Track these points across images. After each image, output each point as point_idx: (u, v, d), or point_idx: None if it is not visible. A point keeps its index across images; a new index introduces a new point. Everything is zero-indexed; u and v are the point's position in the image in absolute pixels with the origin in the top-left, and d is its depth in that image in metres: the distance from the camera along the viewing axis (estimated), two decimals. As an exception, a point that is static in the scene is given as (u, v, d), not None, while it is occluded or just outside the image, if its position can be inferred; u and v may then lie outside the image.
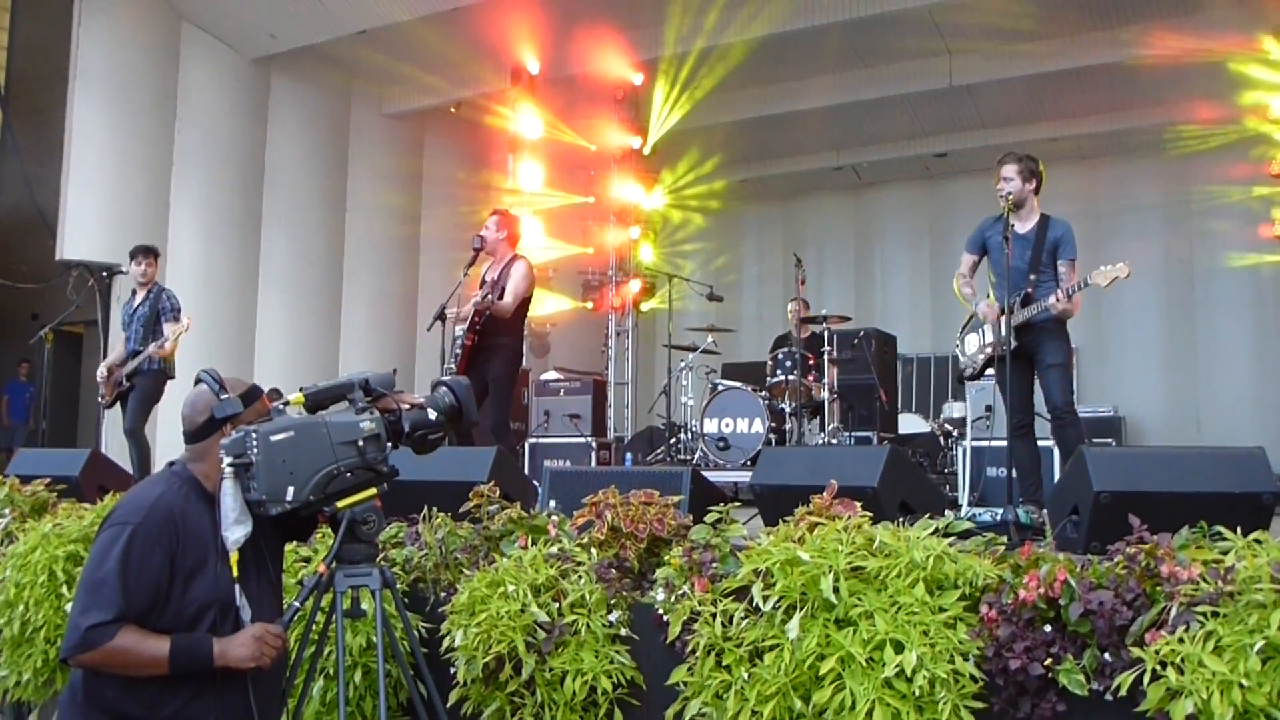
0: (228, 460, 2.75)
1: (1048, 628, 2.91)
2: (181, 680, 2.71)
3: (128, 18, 11.01)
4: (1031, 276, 5.61)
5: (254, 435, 2.77)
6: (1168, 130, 12.57)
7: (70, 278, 10.86)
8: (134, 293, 7.95)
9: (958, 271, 6.06)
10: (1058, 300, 5.45)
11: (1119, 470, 3.90)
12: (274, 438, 2.79)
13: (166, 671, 2.66)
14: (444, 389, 3.16)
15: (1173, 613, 2.74)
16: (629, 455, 10.81)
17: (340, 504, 2.91)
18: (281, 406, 2.92)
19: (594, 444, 9.85)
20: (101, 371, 7.81)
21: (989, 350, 5.83)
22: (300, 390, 2.97)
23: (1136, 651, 2.72)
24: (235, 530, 2.75)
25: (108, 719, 2.73)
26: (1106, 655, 2.83)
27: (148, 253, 7.82)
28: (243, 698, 2.78)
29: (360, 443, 2.91)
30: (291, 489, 2.80)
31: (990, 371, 5.99)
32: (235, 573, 2.79)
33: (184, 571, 2.74)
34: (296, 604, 2.88)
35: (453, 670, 3.74)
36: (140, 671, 2.67)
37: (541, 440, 10.06)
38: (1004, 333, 5.52)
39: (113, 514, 2.79)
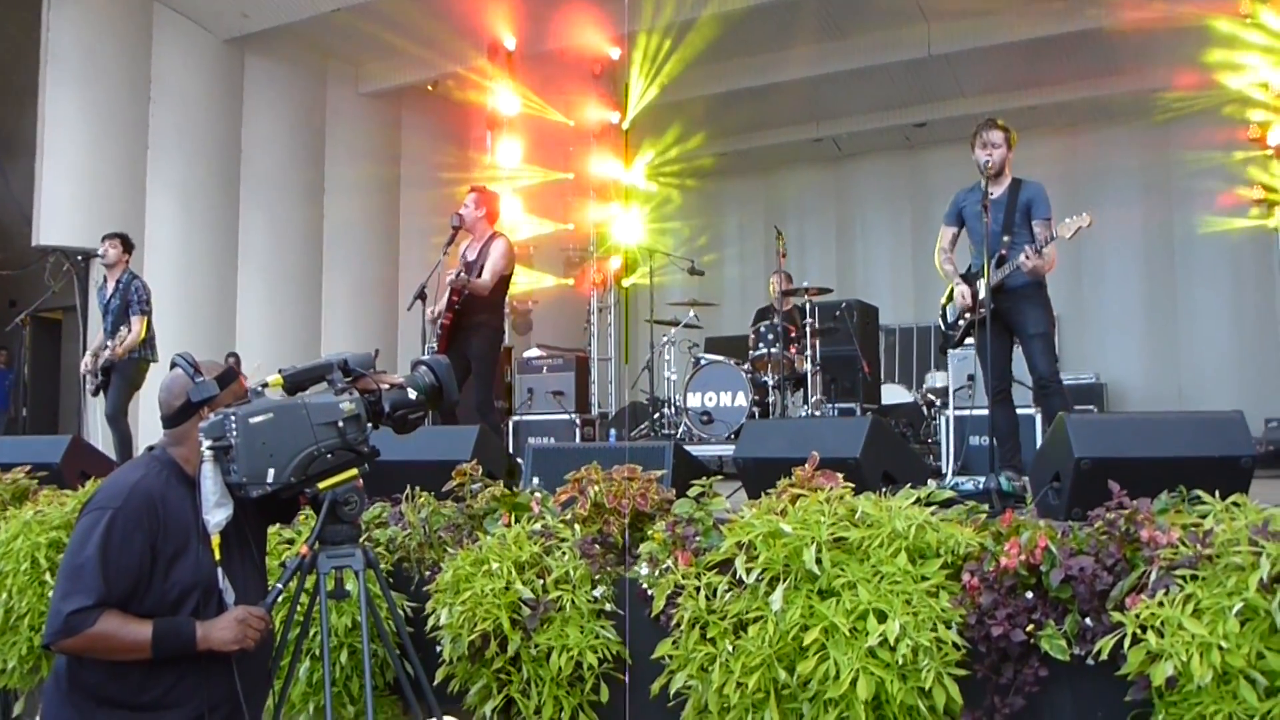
0: (207, 443, 2.73)
1: (1029, 594, 2.94)
2: (166, 664, 2.70)
3: (99, 1, 10.87)
4: (1005, 238, 5.61)
5: (233, 418, 2.75)
6: (1148, 97, 12.56)
7: (47, 263, 10.76)
8: (105, 279, 7.88)
9: (938, 246, 6.08)
10: (1027, 257, 5.46)
11: (1099, 437, 3.91)
12: (253, 420, 2.77)
13: (149, 655, 2.65)
14: (424, 368, 3.15)
15: (1152, 577, 2.77)
16: (613, 431, 10.81)
17: (321, 485, 2.90)
18: (260, 388, 2.90)
19: (578, 420, 9.83)
20: (87, 360, 7.77)
21: (968, 316, 5.85)
22: (279, 372, 2.95)
23: (1117, 616, 2.74)
24: (216, 513, 2.74)
25: (93, 704, 2.72)
26: (1088, 620, 2.86)
27: (111, 236, 7.75)
28: (228, 680, 2.77)
29: (340, 423, 2.90)
30: (272, 471, 2.79)
31: (971, 340, 6.00)
32: (217, 555, 2.78)
33: (165, 555, 2.72)
34: (280, 586, 2.88)
35: (439, 649, 3.75)
36: (123, 656, 2.66)
37: (525, 418, 10.04)
38: (982, 295, 5.52)
39: (92, 499, 2.77)
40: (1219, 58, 10.71)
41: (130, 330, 7.43)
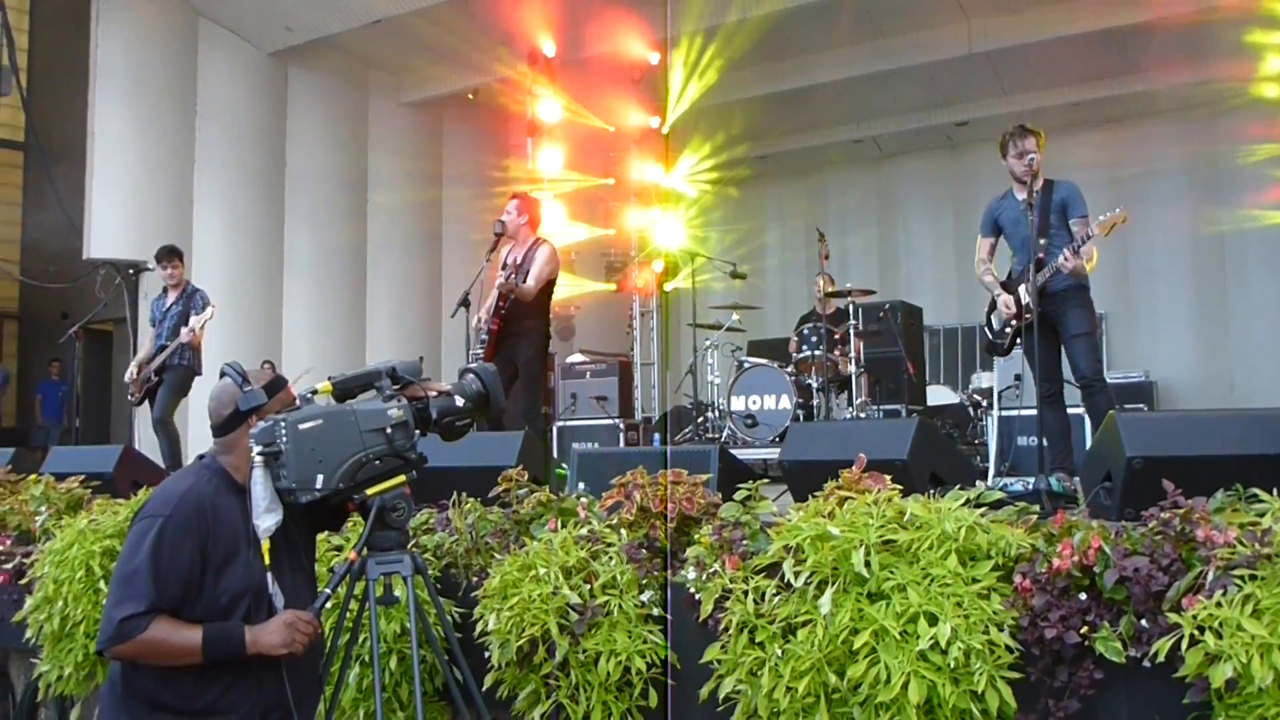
0: (257, 449, 2.76)
1: (1083, 596, 2.90)
2: (218, 670, 2.73)
3: (146, 16, 11.07)
4: (1041, 241, 5.58)
5: (283, 424, 2.78)
6: (1193, 90, 12.37)
7: (98, 276, 10.96)
8: (165, 291, 8.01)
9: (977, 258, 6.08)
10: (1066, 259, 5.41)
11: (1151, 435, 3.85)
12: (302, 426, 2.80)
13: (200, 660, 2.68)
14: (471, 376, 3.16)
15: (1209, 577, 2.72)
16: (657, 435, 10.81)
17: (370, 491, 2.92)
18: (310, 395, 2.93)
19: (621, 425, 9.84)
20: (131, 371, 7.89)
21: (1015, 322, 5.80)
22: (328, 379, 2.98)
23: (1174, 617, 2.70)
24: (266, 519, 2.77)
25: (147, 710, 2.76)
26: (1143, 622, 2.81)
27: (171, 254, 7.88)
28: (279, 686, 2.80)
29: (388, 430, 2.92)
30: (321, 477, 2.82)
31: (1019, 346, 5.96)
32: (267, 561, 2.81)
33: (216, 562, 2.76)
34: (328, 590, 2.90)
35: (487, 654, 3.76)
36: (174, 661, 2.69)
37: (569, 423, 10.07)
38: (1025, 300, 5.54)
39: (144, 508, 2.82)
40: (1266, 47, 10.54)
41: (194, 332, 7.52)
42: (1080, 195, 5.68)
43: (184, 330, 7.54)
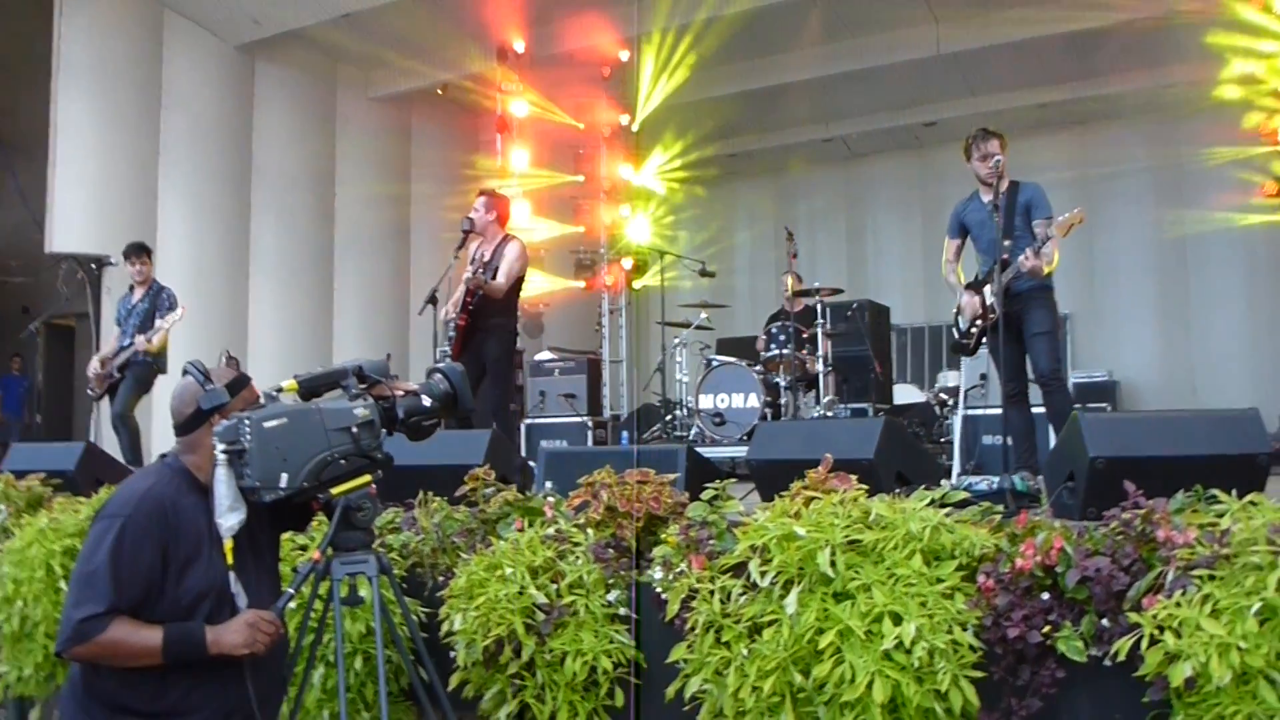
0: (221, 447, 2.74)
1: (1045, 595, 2.92)
2: (180, 671, 2.71)
3: (110, 7, 10.92)
4: (1006, 242, 5.61)
5: (247, 422, 2.76)
6: (1159, 93, 12.52)
7: (60, 271, 10.82)
8: (132, 289, 7.95)
9: (944, 258, 6.14)
10: (1026, 258, 5.46)
11: (1114, 435, 3.89)
12: (267, 424, 2.78)
13: (160, 661, 2.66)
14: (439, 375, 3.15)
15: (1169, 577, 2.75)
16: (625, 433, 10.81)
17: (334, 490, 2.90)
18: (275, 393, 2.91)
19: (590, 423, 9.83)
20: (94, 365, 7.81)
21: (980, 322, 5.86)
22: (294, 377, 2.96)
23: (1134, 617, 2.73)
24: (229, 517, 2.74)
25: (108, 712, 2.73)
26: (1105, 621, 2.84)
27: (140, 250, 7.82)
28: (241, 687, 2.77)
29: (354, 429, 2.90)
30: (285, 475, 2.79)
31: (985, 346, 6.01)
32: (230, 560, 2.78)
33: (178, 562, 2.73)
34: (291, 590, 2.87)
35: (453, 654, 3.75)
36: (135, 662, 2.67)
37: (538, 421, 10.04)
38: (990, 301, 5.62)
39: (104, 507, 2.79)
40: (1229, 52, 10.66)
41: (156, 327, 7.47)
42: (1044, 197, 5.73)
43: (140, 338, 7.48)
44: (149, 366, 7.55)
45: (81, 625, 2.60)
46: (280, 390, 2.91)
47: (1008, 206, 5.69)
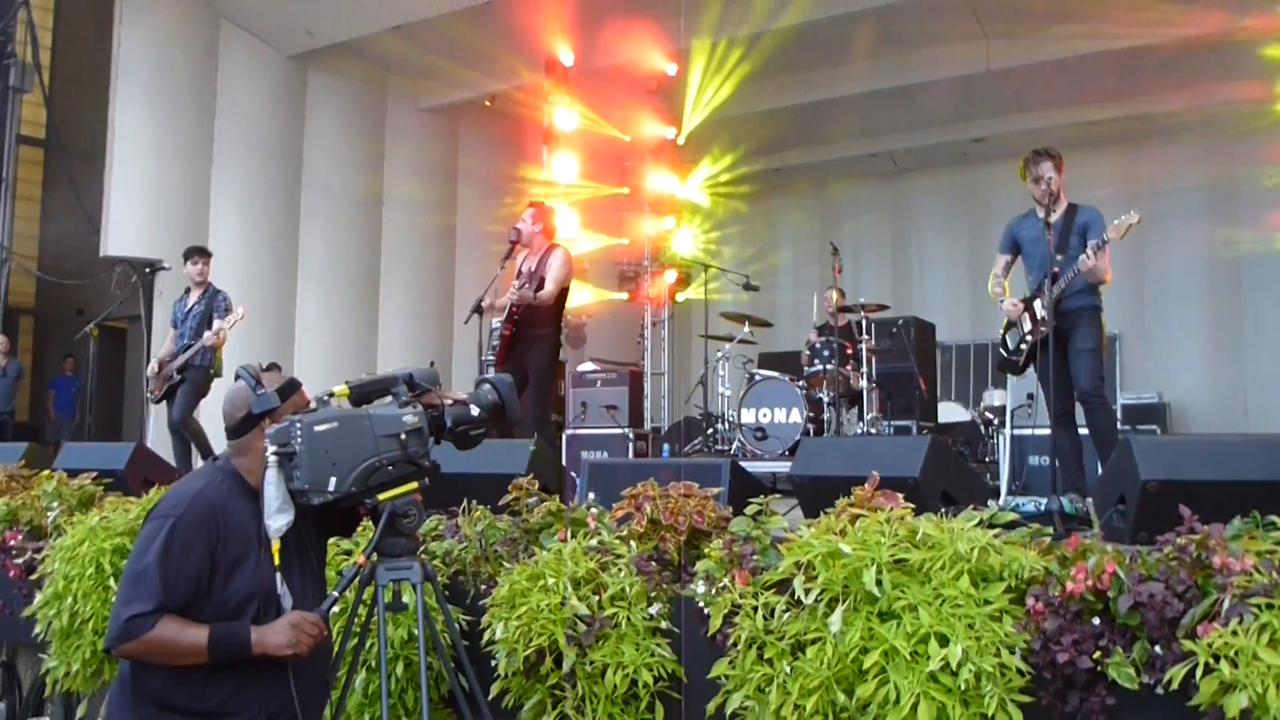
0: (272, 449, 2.77)
1: (1096, 620, 2.87)
2: (226, 672, 2.74)
3: (168, 17, 11.14)
4: (1059, 257, 5.61)
5: (298, 425, 2.79)
6: (1212, 110, 12.33)
7: (114, 274, 11.00)
8: (188, 291, 8.09)
9: (992, 273, 6.14)
10: (1087, 256, 5.43)
11: (1166, 459, 3.83)
12: (318, 428, 2.81)
13: (206, 660, 2.69)
14: (487, 386, 3.17)
15: (1225, 605, 2.69)
16: (666, 446, 10.79)
17: (381, 496, 2.92)
18: (326, 398, 2.94)
19: (631, 435, 9.83)
20: (152, 367, 7.93)
21: (1029, 338, 5.81)
22: (346, 383, 2.98)
23: (1188, 644, 2.67)
24: (278, 519, 2.77)
25: (155, 710, 2.76)
26: (1157, 648, 2.79)
27: (200, 252, 8.01)
28: (286, 689, 2.80)
29: (403, 436, 2.92)
30: (334, 479, 2.82)
31: (1035, 363, 5.97)
32: (277, 561, 2.81)
33: (225, 564, 2.77)
34: (335, 594, 2.90)
35: (494, 663, 3.75)
36: (180, 660, 2.70)
37: (579, 432, 10.05)
38: (1040, 315, 5.62)
39: (156, 508, 2.83)
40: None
41: (218, 336, 7.59)
42: (1103, 221, 5.70)
43: (207, 333, 7.59)
44: (205, 371, 7.67)
45: (129, 623, 2.64)
46: (332, 395, 2.94)
47: (1064, 226, 5.69)
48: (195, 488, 2.84)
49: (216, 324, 7.59)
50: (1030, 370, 6.01)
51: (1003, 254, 6.07)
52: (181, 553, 2.70)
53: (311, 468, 2.79)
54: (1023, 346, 5.88)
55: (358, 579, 2.98)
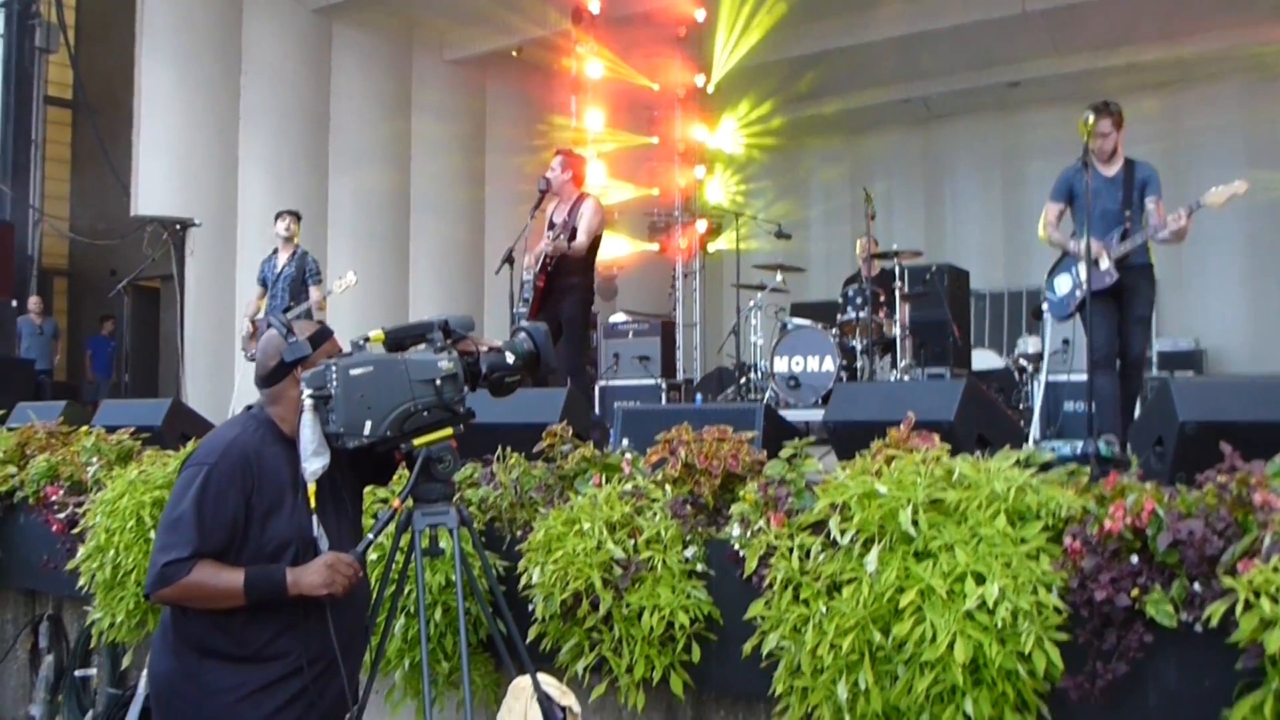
0: (308, 393, 2.79)
1: (1134, 559, 2.85)
2: (267, 616, 2.77)
3: (191, -28, 11.10)
4: (1127, 213, 5.75)
5: (334, 368, 2.81)
6: (1252, 50, 12.05)
7: (145, 233, 11.07)
8: (276, 252, 8.55)
9: (1044, 220, 6.18)
10: (1179, 217, 5.53)
11: (1205, 400, 3.79)
12: (353, 372, 2.82)
13: (243, 602, 2.72)
14: (523, 335, 3.17)
15: (1266, 541, 2.66)
16: (699, 396, 10.80)
17: (416, 442, 2.93)
18: (362, 343, 2.95)
19: (663, 385, 9.83)
20: (245, 326, 8.25)
21: (1081, 290, 5.87)
22: (381, 329, 2.99)
23: (1228, 581, 2.65)
24: (314, 461, 2.80)
25: (197, 655, 2.80)
26: (1196, 586, 2.76)
27: (291, 213, 8.54)
28: (327, 635, 2.82)
29: (438, 382, 2.93)
30: (369, 424, 2.83)
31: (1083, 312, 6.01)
32: (313, 503, 2.83)
33: (261, 510, 2.79)
34: (371, 536, 2.91)
35: (530, 607, 3.79)
36: (218, 604, 2.73)
37: (611, 383, 10.07)
38: (1105, 266, 5.72)
39: (191, 456, 2.86)
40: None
41: (310, 299, 8.16)
42: (1158, 178, 5.85)
43: (314, 293, 8.23)
44: None
45: (165, 569, 2.67)
46: (367, 340, 2.94)
47: (1126, 181, 5.81)
48: (229, 435, 2.87)
49: (313, 293, 8.17)
50: (1065, 318, 6.03)
51: (1055, 202, 6.08)
52: (216, 499, 2.73)
53: (347, 411, 2.80)
54: (1077, 293, 5.89)
55: (393, 523, 3.00)
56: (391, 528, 3.02)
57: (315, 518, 2.85)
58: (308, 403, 2.79)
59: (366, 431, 2.83)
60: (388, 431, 2.86)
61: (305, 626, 2.82)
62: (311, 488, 2.82)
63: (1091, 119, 5.64)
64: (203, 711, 2.78)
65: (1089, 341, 5.50)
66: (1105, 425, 5.47)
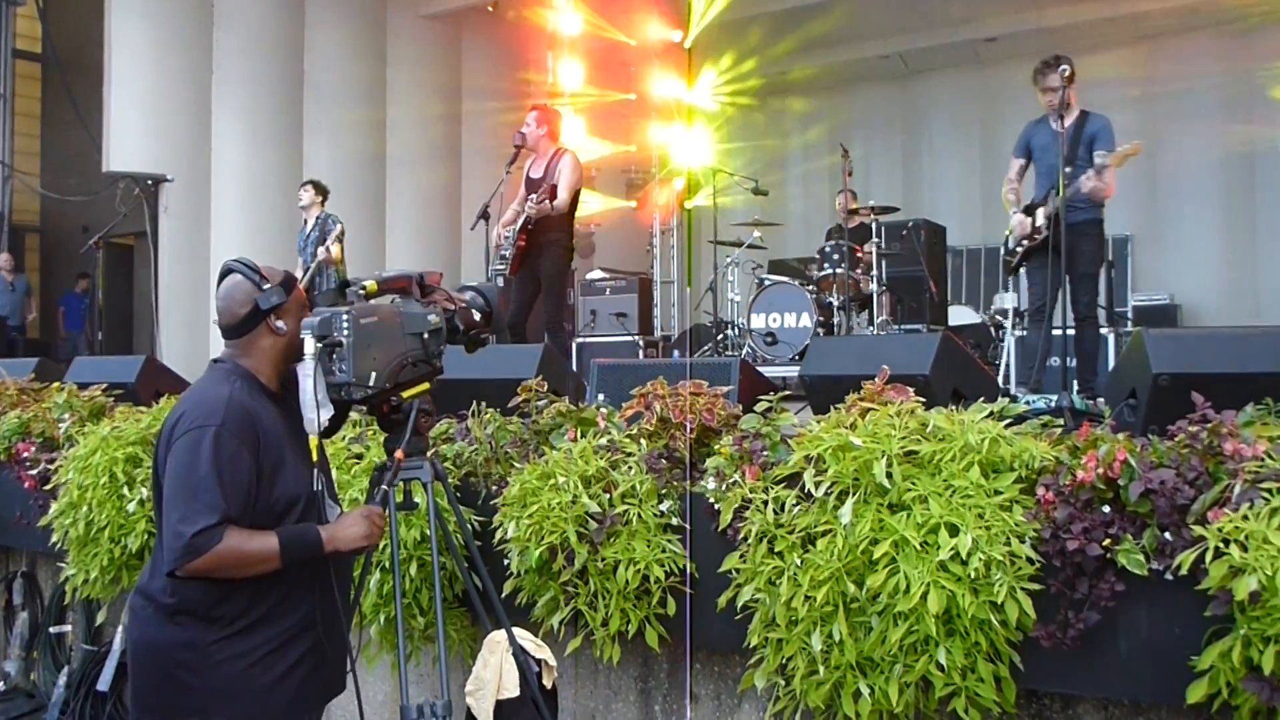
0: (311, 341, 2.70)
1: (1106, 508, 2.88)
2: (274, 579, 2.64)
3: (161, -76, 10.87)
4: (1066, 169, 5.69)
5: (344, 317, 2.75)
6: (1227, 5, 12.02)
7: (118, 189, 10.92)
8: (305, 221, 9.11)
9: (1006, 177, 6.27)
10: (1089, 178, 5.60)
11: (1179, 352, 3.80)
12: (363, 320, 2.79)
13: (279, 565, 2.60)
14: (473, 293, 3.17)
15: (1236, 490, 2.69)
16: (676, 352, 10.80)
17: (405, 394, 2.92)
18: (360, 291, 2.90)
19: (641, 342, 9.82)
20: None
21: (1025, 243, 6.03)
22: (373, 278, 2.96)
23: (1198, 530, 2.68)
24: (320, 414, 2.71)
25: (200, 625, 2.64)
26: (1167, 535, 2.79)
27: (310, 182, 9.20)
28: (329, 595, 2.78)
29: (425, 335, 2.94)
30: (374, 374, 2.81)
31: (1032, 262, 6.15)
32: (315, 456, 2.78)
33: (268, 468, 2.66)
34: (385, 488, 2.88)
35: (506, 561, 3.79)
36: (252, 570, 2.60)
37: (589, 340, 10.05)
38: (1039, 224, 5.87)
39: (184, 419, 2.64)
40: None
41: (328, 251, 8.66)
42: (1111, 131, 5.85)
43: (321, 250, 8.64)
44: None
45: (196, 539, 2.49)
46: (364, 289, 2.90)
47: (1074, 136, 5.82)
48: (222, 393, 2.67)
49: (320, 251, 8.66)
50: (1044, 273, 6.07)
51: (1016, 158, 6.20)
52: (231, 460, 2.57)
53: (356, 361, 2.76)
54: (1018, 250, 5.98)
55: (366, 478, 2.99)
56: (365, 482, 3.02)
57: (316, 471, 2.80)
58: (310, 350, 2.70)
59: (372, 382, 2.80)
60: (386, 383, 2.84)
61: (309, 587, 2.75)
62: (314, 440, 2.77)
63: (1040, 73, 5.74)
64: (211, 682, 2.63)
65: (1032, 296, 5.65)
66: (1024, 376, 5.66)
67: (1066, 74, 5.72)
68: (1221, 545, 2.59)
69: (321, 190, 9.15)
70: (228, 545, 2.52)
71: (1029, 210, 5.97)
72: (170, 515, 2.55)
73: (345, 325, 2.74)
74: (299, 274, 8.56)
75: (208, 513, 2.50)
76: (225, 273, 2.81)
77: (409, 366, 2.89)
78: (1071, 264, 5.77)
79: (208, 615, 2.63)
